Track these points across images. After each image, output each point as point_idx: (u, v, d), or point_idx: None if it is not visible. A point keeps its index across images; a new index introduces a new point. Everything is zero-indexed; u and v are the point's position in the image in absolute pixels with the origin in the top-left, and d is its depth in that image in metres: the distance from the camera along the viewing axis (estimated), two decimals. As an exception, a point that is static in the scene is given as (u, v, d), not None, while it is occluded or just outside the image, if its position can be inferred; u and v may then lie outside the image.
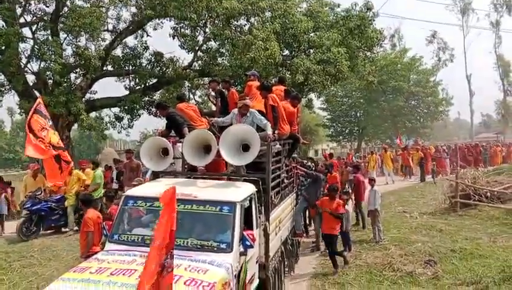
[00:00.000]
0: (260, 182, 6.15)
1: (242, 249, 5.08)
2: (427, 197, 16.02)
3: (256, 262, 5.94)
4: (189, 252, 4.91)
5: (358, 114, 43.20)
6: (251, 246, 5.15)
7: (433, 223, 11.80)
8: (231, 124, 6.83)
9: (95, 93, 19.72)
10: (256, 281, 5.94)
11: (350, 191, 12.09)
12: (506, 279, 7.03)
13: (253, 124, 6.61)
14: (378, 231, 10.27)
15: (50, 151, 10.75)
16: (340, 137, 45.95)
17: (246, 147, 6.23)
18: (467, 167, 21.31)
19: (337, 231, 8.71)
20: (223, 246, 5.03)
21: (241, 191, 5.71)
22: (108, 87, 21.01)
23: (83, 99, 18.01)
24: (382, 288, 7.44)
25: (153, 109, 18.62)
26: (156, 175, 6.68)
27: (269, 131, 6.57)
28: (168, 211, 3.38)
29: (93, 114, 20.65)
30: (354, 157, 24.50)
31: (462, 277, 7.64)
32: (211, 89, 9.97)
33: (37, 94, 16.61)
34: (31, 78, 17.73)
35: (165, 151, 6.47)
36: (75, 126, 20.40)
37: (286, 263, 7.86)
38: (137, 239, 5.28)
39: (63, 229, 11.51)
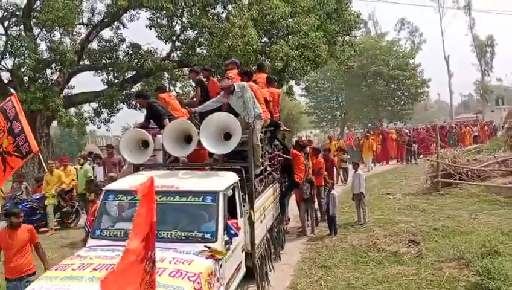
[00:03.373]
0: (243, 171, 6.10)
1: (227, 238, 5.06)
2: (410, 179, 16.26)
3: (242, 251, 5.92)
4: (173, 244, 4.87)
5: (340, 100, 43.48)
6: (236, 235, 5.15)
7: (415, 204, 12.03)
8: (220, 107, 6.71)
9: (72, 88, 19.35)
10: (243, 270, 5.94)
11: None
12: (487, 253, 7.17)
13: (242, 101, 6.45)
14: (363, 213, 10.42)
15: None
16: (323, 123, 46.23)
17: (228, 136, 6.15)
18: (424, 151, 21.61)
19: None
20: (208, 236, 4.99)
21: (224, 180, 5.66)
22: (86, 82, 20.55)
23: (61, 95, 17.61)
24: (367, 269, 7.53)
25: (133, 102, 18.34)
26: (136, 168, 6.57)
27: (251, 119, 6.43)
28: (147, 203, 3.28)
29: (72, 110, 20.24)
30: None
31: (445, 254, 7.79)
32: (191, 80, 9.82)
33: (13, 91, 16.20)
34: (5, 76, 17.31)
35: (145, 144, 6.34)
36: (55, 123, 20.01)
37: (272, 250, 7.85)
38: (120, 234, 5.19)
39: (43, 229, 11.31)
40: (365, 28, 47.54)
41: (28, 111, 15.31)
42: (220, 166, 6.37)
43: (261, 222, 6.78)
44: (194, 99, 8.58)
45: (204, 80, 8.48)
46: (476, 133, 28.61)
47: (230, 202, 5.53)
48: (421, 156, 21.70)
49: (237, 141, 5.95)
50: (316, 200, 10.56)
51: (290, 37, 16.71)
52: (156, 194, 4.87)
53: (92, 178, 11.74)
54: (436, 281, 6.72)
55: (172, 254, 4.66)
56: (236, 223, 5.20)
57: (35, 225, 11.26)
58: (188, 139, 6.18)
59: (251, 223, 6.07)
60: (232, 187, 5.62)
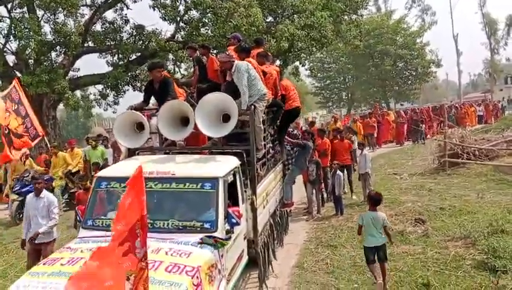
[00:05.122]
0: (244, 154, 5.78)
1: (228, 227, 4.78)
2: (416, 159, 16.17)
3: (244, 238, 5.64)
4: (170, 234, 4.59)
5: (346, 80, 43.09)
6: (237, 224, 4.81)
7: (422, 183, 11.97)
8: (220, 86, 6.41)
9: (77, 71, 19.35)
10: (245, 258, 5.67)
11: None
12: (493, 232, 7.15)
13: (243, 80, 6.06)
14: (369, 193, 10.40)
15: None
16: (330, 103, 45.94)
17: (227, 117, 5.76)
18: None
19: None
20: (207, 225, 4.70)
21: (224, 165, 5.33)
22: (92, 64, 20.52)
23: (66, 77, 17.62)
24: (373, 248, 7.54)
25: (138, 84, 18.31)
26: (132, 152, 6.24)
27: (244, 100, 6.02)
28: (135, 194, 3.03)
29: (78, 92, 20.27)
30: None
31: (452, 233, 7.77)
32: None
33: (18, 74, 16.22)
34: (10, 59, 17.32)
35: (140, 126, 5.93)
36: (61, 106, 20.07)
37: (275, 235, 7.58)
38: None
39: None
40: (376, 5, 46.62)
41: (35, 94, 15.39)
42: (219, 150, 6.03)
43: (264, 207, 6.48)
44: (192, 78, 8.28)
45: (203, 57, 7.99)
46: (481, 113, 27.98)
47: (231, 188, 5.23)
48: (428, 136, 21.42)
49: (234, 123, 5.60)
50: (322, 181, 10.55)
51: (295, 16, 16.49)
52: (152, 180, 4.85)
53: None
54: (442, 260, 6.72)
55: (169, 245, 4.37)
56: (238, 211, 4.85)
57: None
58: (184, 121, 5.82)
59: (253, 210, 5.75)
60: (232, 172, 5.31)
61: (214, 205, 4.79)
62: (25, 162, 11.81)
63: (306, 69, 26.04)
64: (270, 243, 7.05)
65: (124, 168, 5.29)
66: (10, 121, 10.72)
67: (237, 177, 5.46)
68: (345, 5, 17.58)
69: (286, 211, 8.76)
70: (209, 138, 6.21)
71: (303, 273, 6.81)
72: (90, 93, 20.79)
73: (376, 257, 5.99)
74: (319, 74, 42.91)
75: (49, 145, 12.09)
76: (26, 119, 11.28)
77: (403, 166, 15.17)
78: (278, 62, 18.45)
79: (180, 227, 4.73)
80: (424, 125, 21.80)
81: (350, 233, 8.41)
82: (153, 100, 6.68)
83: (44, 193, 6.54)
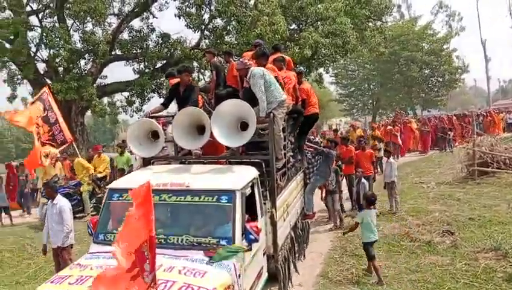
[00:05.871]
0: (263, 164, 5.51)
1: (246, 244, 4.50)
2: (444, 167, 15.81)
3: (264, 254, 5.35)
4: (184, 251, 4.34)
5: (371, 86, 42.62)
6: (256, 240, 4.54)
7: (450, 193, 11.69)
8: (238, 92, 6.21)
9: (105, 78, 19.78)
10: (265, 275, 5.40)
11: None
12: (526, 244, 6.93)
13: (259, 86, 5.78)
14: (395, 202, 10.23)
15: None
16: (354, 110, 45.51)
17: (245, 126, 5.46)
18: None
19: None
20: (224, 242, 4.41)
21: (242, 176, 5.06)
22: (118, 71, 20.96)
23: (94, 84, 18.04)
24: (400, 258, 7.41)
25: (163, 92, 18.57)
26: (147, 162, 6.08)
27: (262, 107, 5.72)
28: (143, 212, 2.81)
29: (105, 99, 20.72)
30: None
31: (481, 244, 7.55)
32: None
33: (49, 82, 16.70)
34: (41, 67, 17.83)
35: (155, 135, 5.72)
36: (89, 112, 20.52)
37: (296, 249, 7.31)
38: None
39: (80, 215, 11.69)
40: (399, 12, 46.05)
41: (64, 101, 15.81)
42: (237, 159, 5.80)
43: (284, 220, 6.21)
44: (210, 84, 7.98)
45: (223, 63, 7.87)
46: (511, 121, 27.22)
47: (249, 201, 4.97)
48: (457, 143, 20.81)
49: (252, 132, 5.28)
50: (341, 190, 10.34)
51: (319, 23, 16.44)
52: (165, 192, 4.71)
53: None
54: (471, 272, 6.54)
55: (183, 263, 4.13)
56: (256, 227, 4.57)
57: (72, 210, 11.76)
58: (201, 129, 5.57)
59: (273, 223, 5.48)
60: (250, 184, 5.04)
61: (231, 220, 4.51)
62: (54, 164, 12.13)
63: (330, 76, 25.79)
64: (291, 256, 6.81)
65: (137, 179, 4.99)
66: (41, 129, 11.09)
67: (256, 189, 5.21)
68: (370, 11, 17.45)
69: (307, 222, 8.48)
70: (228, 147, 5.94)
71: (327, 282, 6.73)
72: (117, 100, 21.21)
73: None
74: (343, 81, 42.61)
75: (77, 151, 12.37)
76: (55, 126, 11.60)
77: (430, 175, 14.86)
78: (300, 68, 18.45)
79: (195, 243, 4.46)
80: (451, 133, 21.29)
81: (376, 243, 8.25)
82: (171, 107, 6.52)
83: (58, 199, 6.66)
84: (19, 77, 17.74)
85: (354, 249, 8.05)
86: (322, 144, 9.42)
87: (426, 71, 38.54)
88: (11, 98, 18.31)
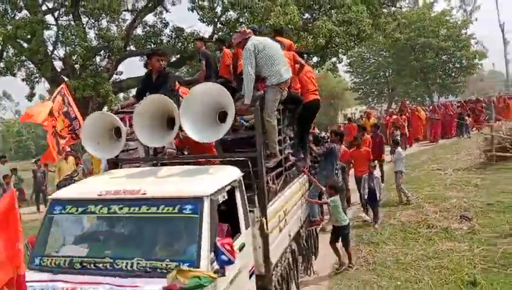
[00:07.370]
0: (250, 163, 4.46)
1: (217, 267, 3.46)
2: (462, 154, 15.63)
3: (251, 276, 4.26)
4: (133, 279, 3.40)
5: (387, 74, 42.12)
6: (230, 262, 3.47)
7: (468, 179, 11.58)
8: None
9: (120, 74, 20.03)
10: None
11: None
12: (546, 229, 6.86)
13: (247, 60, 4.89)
14: (401, 192, 10.09)
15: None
16: (369, 99, 45.09)
17: (225, 116, 4.45)
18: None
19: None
20: (185, 266, 3.35)
21: (214, 179, 4.05)
22: (133, 67, 21.17)
23: (110, 81, 18.30)
24: (417, 245, 7.41)
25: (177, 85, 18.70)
26: (114, 164, 5.09)
27: (248, 89, 4.83)
28: (5, 229, 2.21)
29: (121, 95, 21.00)
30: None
31: (499, 230, 7.51)
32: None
33: (66, 79, 17.01)
34: (58, 64, 18.16)
35: (118, 132, 4.65)
36: (105, 109, 20.82)
37: (300, 263, 6.30)
38: (64, 263, 3.69)
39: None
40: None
41: (81, 97, 16.09)
42: (217, 158, 4.87)
43: (281, 230, 5.10)
44: (199, 74, 7.45)
45: (220, 53, 7.30)
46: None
47: (230, 209, 4.11)
48: (474, 128, 20.38)
49: (229, 124, 4.32)
50: (349, 188, 9.78)
51: (332, 12, 16.33)
52: (115, 203, 3.76)
53: None
54: (490, 257, 6.51)
55: None
56: (230, 244, 3.51)
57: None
58: (171, 123, 4.50)
59: (264, 235, 4.45)
60: (228, 188, 4.04)
61: (196, 236, 3.49)
62: (66, 158, 12.34)
63: (344, 65, 25.60)
64: (293, 274, 5.68)
65: (84, 188, 4.23)
66: (58, 122, 11.23)
67: (237, 193, 4.20)
68: (384, -4, 17.31)
69: (315, 229, 7.33)
70: (221, 143, 5.01)
71: (344, 270, 6.77)
72: (133, 96, 21.43)
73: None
74: (358, 69, 42.18)
75: None
76: (75, 121, 11.81)
77: (447, 161, 14.71)
78: (315, 59, 18.38)
79: (148, 269, 3.46)
80: (469, 119, 20.92)
81: (392, 230, 8.30)
82: None
83: None
84: (37, 75, 18.14)
85: (370, 237, 8.09)
86: (327, 139, 8.82)
87: (443, 57, 37.88)
88: (30, 96, 18.76)
